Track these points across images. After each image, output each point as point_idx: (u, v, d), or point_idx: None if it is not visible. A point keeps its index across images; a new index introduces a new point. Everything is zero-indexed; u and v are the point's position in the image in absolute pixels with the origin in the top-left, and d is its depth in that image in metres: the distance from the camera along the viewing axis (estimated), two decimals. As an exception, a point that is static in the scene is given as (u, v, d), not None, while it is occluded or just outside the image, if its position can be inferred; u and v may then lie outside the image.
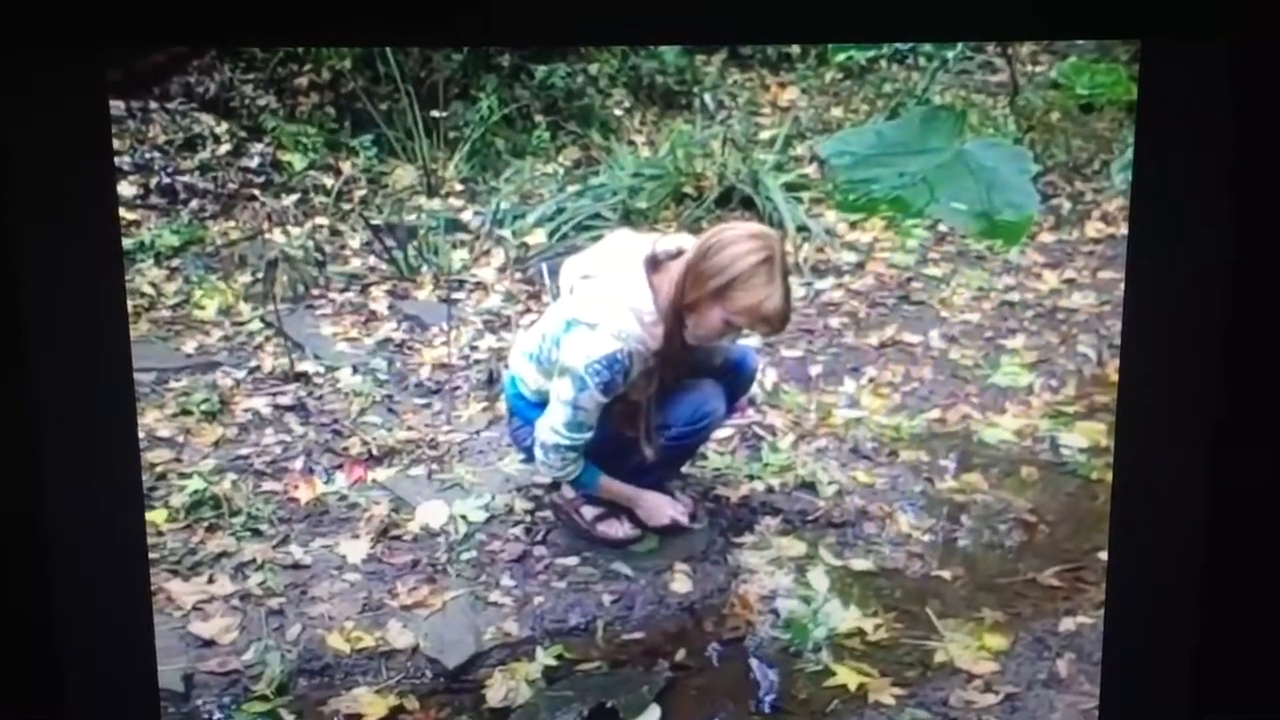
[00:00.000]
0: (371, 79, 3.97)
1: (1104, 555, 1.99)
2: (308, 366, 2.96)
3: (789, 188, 3.67)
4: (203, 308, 3.15)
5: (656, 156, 3.95)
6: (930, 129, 2.21)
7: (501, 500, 2.49)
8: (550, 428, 2.31)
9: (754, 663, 2.16)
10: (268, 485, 2.54)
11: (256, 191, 3.63)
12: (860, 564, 2.35)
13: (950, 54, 4.12)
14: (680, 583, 2.30)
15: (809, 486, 2.54)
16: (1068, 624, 2.18)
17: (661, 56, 4.33)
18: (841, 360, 3.01)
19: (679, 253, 2.27)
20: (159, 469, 2.55)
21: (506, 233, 3.56)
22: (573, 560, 2.35)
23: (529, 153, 3.99)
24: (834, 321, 3.18)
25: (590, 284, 2.30)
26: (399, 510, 2.47)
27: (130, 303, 2.78)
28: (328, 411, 2.82)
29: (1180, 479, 1.82)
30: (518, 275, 3.37)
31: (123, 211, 3.47)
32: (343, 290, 3.30)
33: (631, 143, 4.13)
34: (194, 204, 3.49)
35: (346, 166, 3.79)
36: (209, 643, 2.14)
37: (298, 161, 3.75)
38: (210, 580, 2.28)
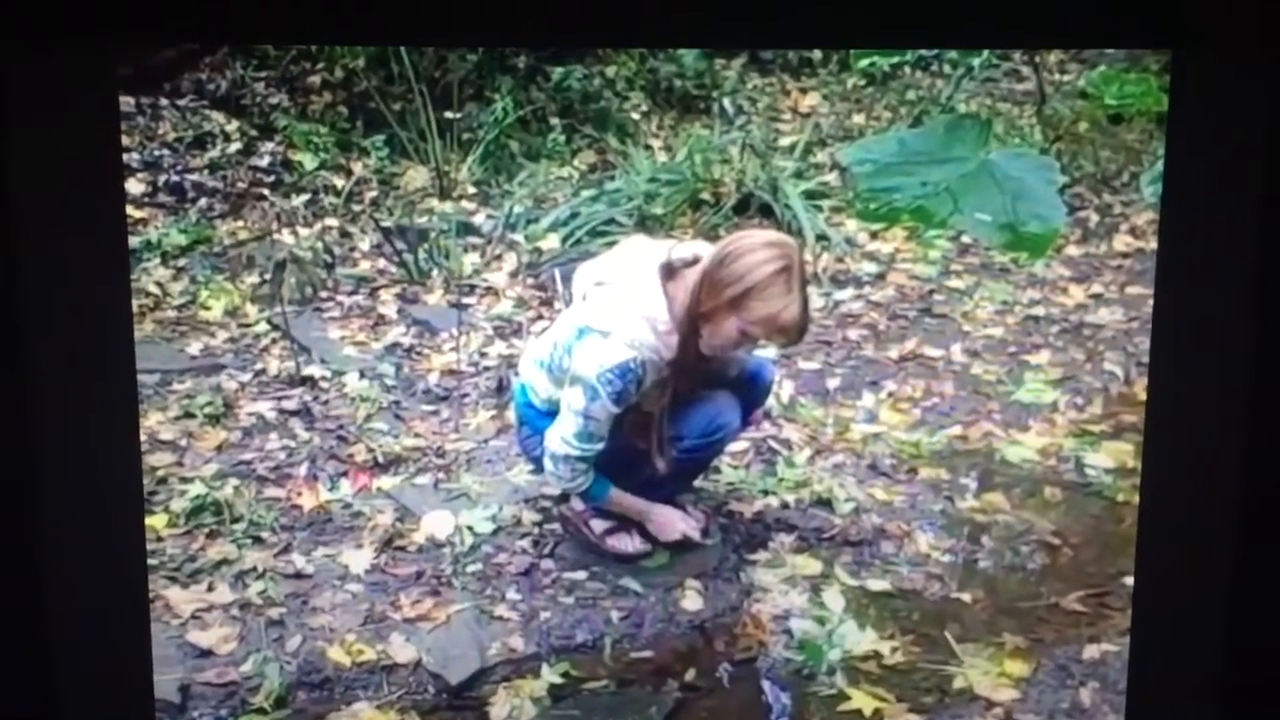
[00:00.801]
0: (385, 78, 3.97)
1: (1130, 580, 1.93)
2: (314, 370, 2.95)
3: (809, 195, 3.65)
4: (209, 308, 3.16)
5: (674, 161, 3.94)
6: (954, 137, 2.15)
7: (509, 511, 2.46)
8: (560, 438, 2.27)
9: (766, 685, 2.12)
10: (270, 491, 2.52)
11: (266, 191, 3.64)
12: (877, 584, 2.31)
13: (976, 61, 4.09)
14: (691, 600, 2.27)
15: (825, 503, 2.51)
16: (1091, 651, 2.13)
17: (680, 60, 4.31)
18: (860, 373, 2.98)
19: (695, 260, 2.23)
20: (160, 473, 2.53)
21: (519, 237, 3.56)
22: (581, 575, 2.32)
23: (543, 156, 3.98)
24: (853, 333, 3.16)
25: (604, 291, 2.26)
26: (404, 520, 2.44)
27: (135, 302, 2.79)
28: (333, 417, 2.79)
29: (1210, 502, 1.76)
30: (530, 281, 3.37)
31: (130, 209, 3.49)
32: (351, 293, 3.31)
33: (648, 147, 4.11)
34: (202, 203, 3.49)
35: (358, 167, 3.79)
36: (207, 652, 2.11)
37: (308, 161, 3.74)
38: (210, 588, 2.25)
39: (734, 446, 2.55)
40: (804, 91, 4.26)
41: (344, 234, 3.51)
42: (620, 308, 2.21)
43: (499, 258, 3.46)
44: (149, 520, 2.32)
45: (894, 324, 3.20)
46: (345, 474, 2.57)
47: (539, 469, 2.39)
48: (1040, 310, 3.22)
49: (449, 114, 3.82)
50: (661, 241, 2.42)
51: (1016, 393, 2.89)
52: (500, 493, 2.51)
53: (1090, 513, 2.49)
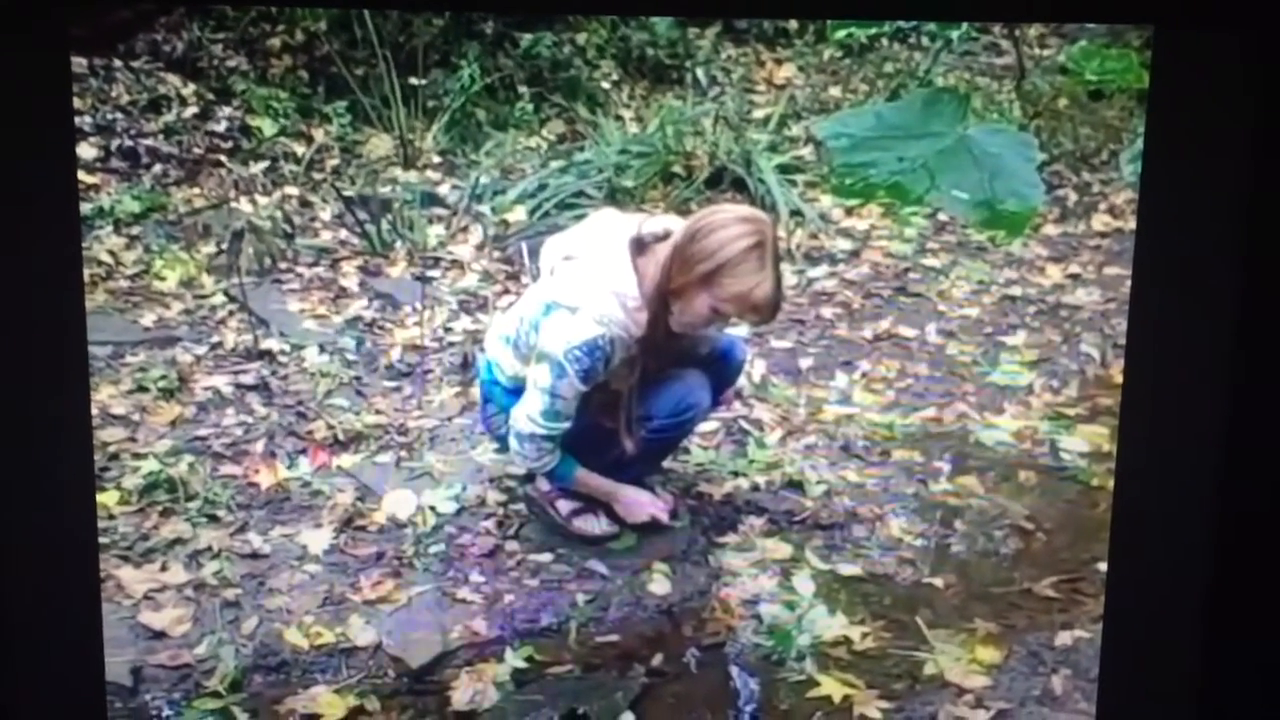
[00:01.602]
0: (348, 42, 3.90)
1: (1103, 566, 1.93)
2: (272, 344, 2.90)
3: (783, 170, 3.63)
4: (163, 279, 3.10)
5: (645, 133, 3.90)
6: (932, 112, 2.11)
7: (473, 491, 2.43)
8: (526, 416, 2.24)
9: (734, 670, 2.10)
10: (226, 469, 2.47)
11: (223, 157, 3.57)
12: (848, 569, 2.30)
13: (955, 34, 4.07)
14: (659, 583, 2.25)
15: (796, 485, 2.49)
16: (1064, 638, 2.13)
17: (653, 28, 4.26)
18: (833, 353, 2.96)
19: (666, 235, 2.20)
20: (112, 448, 2.48)
21: (485, 209, 3.52)
22: (546, 557, 2.29)
23: (511, 125, 3.93)
24: (826, 312, 3.14)
25: (572, 265, 2.24)
26: (364, 499, 2.41)
27: (87, 271, 2.73)
28: (292, 392, 2.74)
29: (1187, 487, 1.74)
30: (496, 254, 3.34)
31: (81, 174, 3.43)
32: (311, 265, 3.26)
33: (619, 118, 4.07)
34: (157, 169, 3.43)
35: (319, 134, 3.73)
36: (159, 634, 2.07)
37: (268, 127, 3.69)
38: (163, 568, 2.21)
39: (704, 427, 2.54)
40: (779, 63, 4.23)
41: (304, 203, 3.47)
42: (589, 283, 2.19)
43: (464, 230, 3.42)
44: (100, 497, 2.28)
45: (868, 303, 3.20)
46: (304, 451, 2.53)
47: (504, 448, 2.37)
48: (1017, 290, 3.22)
49: (414, 80, 3.76)
50: (632, 215, 2.39)
51: (992, 374, 2.88)
52: (464, 472, 2.48)
53: (1065, 497, 2.48)
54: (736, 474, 2.51)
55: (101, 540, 2.11)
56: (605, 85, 4.07)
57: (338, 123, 3.69)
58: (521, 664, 2.06)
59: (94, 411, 2.31)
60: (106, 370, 2.72)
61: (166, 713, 1.96)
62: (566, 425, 2.23)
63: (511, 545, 2.31)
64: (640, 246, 2.20)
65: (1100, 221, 3.46)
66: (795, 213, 3.49)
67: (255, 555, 2.25)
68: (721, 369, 2.40)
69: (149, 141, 3.43)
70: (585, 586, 2.23)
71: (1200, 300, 1.63)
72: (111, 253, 3.16)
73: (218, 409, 2.66)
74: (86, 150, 3.37)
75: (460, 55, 3.85)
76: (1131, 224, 1.71)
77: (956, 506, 2.46)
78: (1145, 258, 1.64)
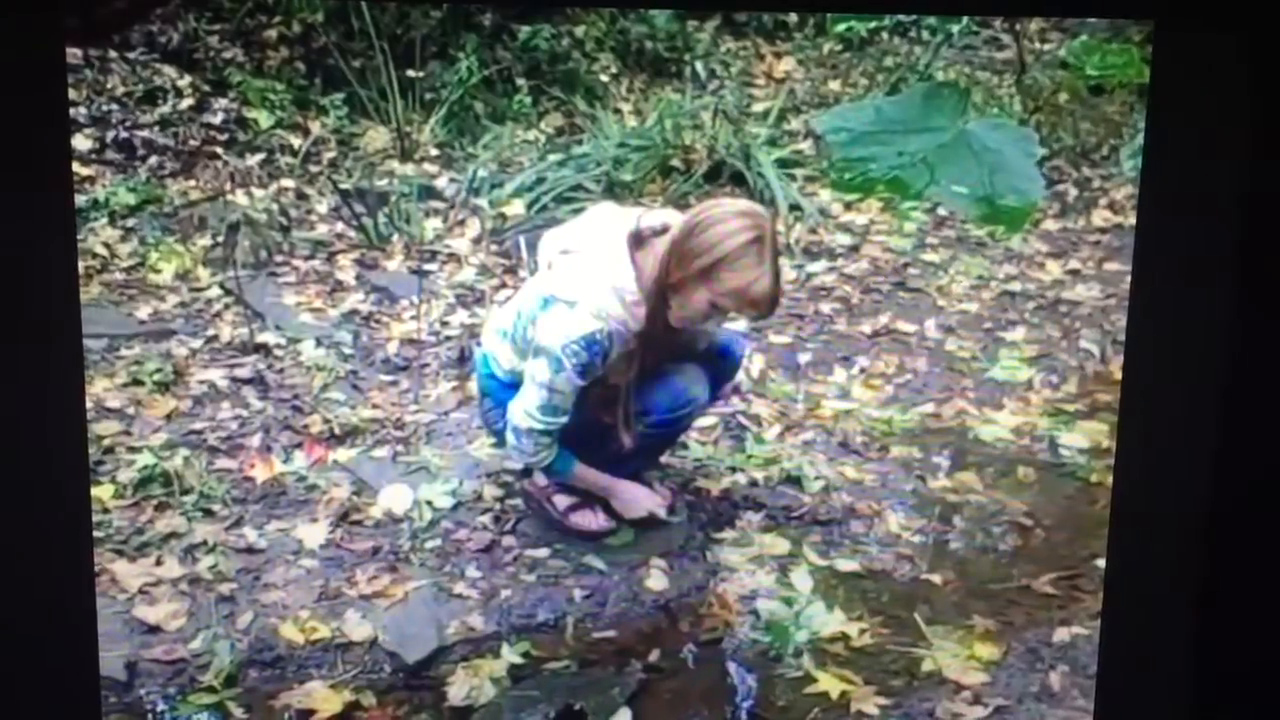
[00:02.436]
0: (345, 34, 3.89)
1: (1102, 563, 1.93)
2: (268, 338, 2.89)
3: (782, 164, 3.62)
4: (159, 271, 3.10)
5: (643, 126, 3.89)
6: (932, 106, 2.10)
7: (470, 486, 2.42)
8: (524, 410, 2.23)
9: (731, 666, 2.10)
10: (222, 463, 2.46)
11: (219, 149, 3.57)
12: (846, 565, 2.29)
13: (955, 28, 4.07)
14: (656, 579, 2.24)
15: (794, 481, 2.48)
16: (1062, 634, 2.12)
17: (652, 20, 4.25)
18: (832, 348, 2.96)
19: (664, 229, 2.19)
20: (106, 442, 2.47)
21: (483, 202, 3.51)
22: (543, 552, 2.28)
23: (509, 118, 3.93)
24: (825, 307, 3.14)
25: (570, 259, 2.22)
26: (360, 493, 2.40)
27: (81, 264, 2.72)
28: (288, 386, 2.73)
29: (1186, 484, 1.74)
30: (494, 247, 3.33)
31: (76, 166, 3.41)
32: (308, 258, 3.26)
33: (617, 111, 4.06)
34: (152, 161, 3.42)
35: (315, 126, 3.73)
36: (154, 629, 2.06)
37: (264, 119, 3.68)
38: (158, 562, 2.20)
39: (702, 422, 2.53)
40: (779, 56, 4.22)
41: (301, 196, 3.46)
42: (587, 277, 2.17)
43: (462, 223, 3.42)
44: (95, 491, 2.26)
45: (867, 298, 3.19)
46: (300, 445, 2.52)
47: (501, 442, 2.35)
48: (1016, 286, 3.22)
49: (411, 73, 3.76)
50: (630, 209, 2.38)
51: (991, 370, 2.88)
52: (461, 466, 2.47)
53: (1063, 494, 2.48)
54: (734, 469, 2.51)
55: (96, 534, 2.09)
56: (604, 78, 4.07)
57: (334, 115, 3.69)
58: (518, 659, 2.05)
59: (89, 405, 2.30)
60: (101, 363, 2.71)
61: (161, 707, 1.95)
62: (564, 420, 2.22)
63: (508, 540, 2.30)
64: (638, 241, 2.18)
65: (1100, 217, 3.46)
66: (794, 207, 3.49)
67: (251, 550, 2.24)
68: (720, 364, 2.39)
69: (144, 133, 3.42)
70: (582, 582, 2.22)
71: (1201, 296, 1.62)
72: (107, 245, 3.15)
73: (213, 402, 2.65)
74: (81, 142, 3.36)
75: (458, 48, 3.84)
76: (1132, 219, 1.70)
77: (955, 502, 2.45)
78: (1145, 253, 1.63)
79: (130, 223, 3.23)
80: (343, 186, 3.47)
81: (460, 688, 1.99)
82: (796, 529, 2.36)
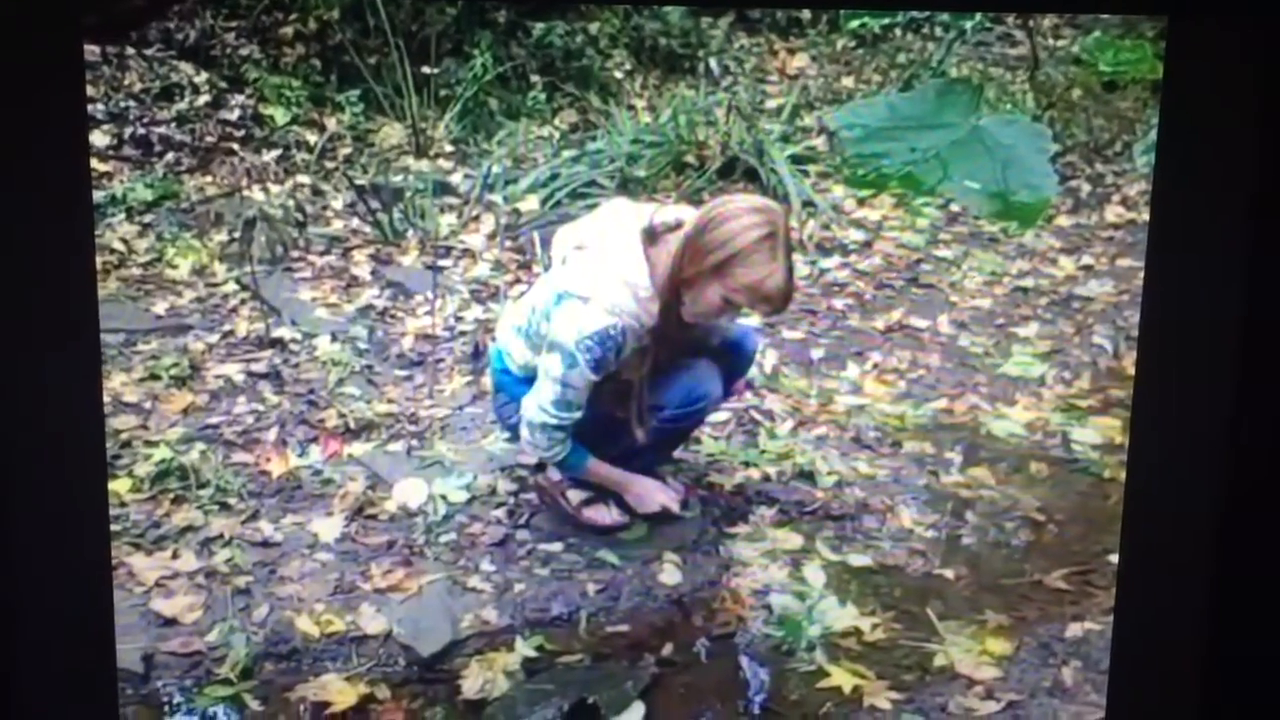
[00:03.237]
0: (360, 31, 3.90)
1: (1115, 558, 1.92)
2: (284, 332, 2.90)
3: (795, 160, 3.62)
4: (175, 267, 3.11)
5: (657, 123, 3.89)
6: (945, 102, 2.10)
7: (484, 481, 2.42)
8: (537, 405, 2.23)
9: (744, 660, 2.10)
10: (238, 457, 2.47)
11: (236, 146, 3.58)
12: (859, 560, 2.29)
13: (968, 24, 4.06)
14: (669, 574, 2.24)
15: (807, 476, 2.49)
16: (1074, 630, 2.12)
17: (665, 17, 4.25)
18: (845, 344, 2.96)
19: (678, 225, 2.19)
20: (124, 436, 2.48)
21: (497, 198, 3.51)
22: (557, 546, 2.29)
23: (523, 114, 3.93)
24: (838, 303, 3.14)
25: (584, 255, 2.22)
26: (375, 488, 2.40)
27: (99, 259, 2.74)
28: (304, 381, 2.74)
29: (1199, 480, 1.73)
30: (508, 243, 3.33)
31: (94, 162, 3.42)
32: (323, 253, 3.26)
33: (631, 107, 4.06)
34: (169, 157, 3.43)
35: (331, 122, 3.73)
36: (171, 621, 2.07)
37: (280, 115, 3.69)
38: (174, 555, 2.21)
39: (715, 417, 2.53)
40: (792, 53, 4.22)
41: (316, 192, 3.47)
42: (600, 273, 2.17)
43: (476, 219, 3.42)
44: (112, 485, 2.28)
45: (880, 293, 3.19)
46: (315, 440, 2.52)
47: (515, 437, 2.36)
48: (1029, 282, 3.21)
49: (426, 69, 3.76)
50: (643, 205, 2.37)
51: (1004, 366, 2.88)
52: (475, 461, 2.48)
53: (1076, 489, 2.47)
54: (747, 464, 2.51)
55: (113, 528, 2.10)
56: (618, 75, 4.07)
57: (350, 111, 3.69)
58: (532, 653, 2.06)
59: (106, 399, 2.31)
60: (119, 358, 2.72)
61: (178, 699, 1.96)
62: (578, 415, 2.22)
63: (522, 534, 2.31)
64: (652, 236, 2.18)
65: (1113, 213, 3.45)
66: (807, 203, 3.48)
67: (266, 543, 2.25)
68: (733, 359, 2.39)
69: (161, 129, 3.43)
70: (596, 576, 2.22)
71: (1213, 292, 1.62)
72: (124, 240, 3.16)
73: (229, 397, 2.66)
74: (99, 138, 3.37)
75: (473, 44, 3.85)
76: (1145, 215, 1.69)
77: (968, 498, 2.45)
78: (1158, 249, 1.63)
79: (147, 218, 3.24)
80: (358, 182, 3.47)
81: (474, 681, 2.00)
82: (809, 524, 2.36)
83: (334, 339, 2.88)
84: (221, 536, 2.25)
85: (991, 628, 2.12)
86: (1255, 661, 1.75)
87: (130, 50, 3.56)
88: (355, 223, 3.38)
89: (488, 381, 2.53)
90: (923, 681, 2.03)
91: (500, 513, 2.35)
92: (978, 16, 3.85)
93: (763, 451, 2.55)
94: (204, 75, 3.60)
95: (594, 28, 4.07)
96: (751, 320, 2.60)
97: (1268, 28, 1.44)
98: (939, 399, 2.75)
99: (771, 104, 3.98)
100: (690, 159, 3.60)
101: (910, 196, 3.25)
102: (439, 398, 2.69)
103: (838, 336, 2.99)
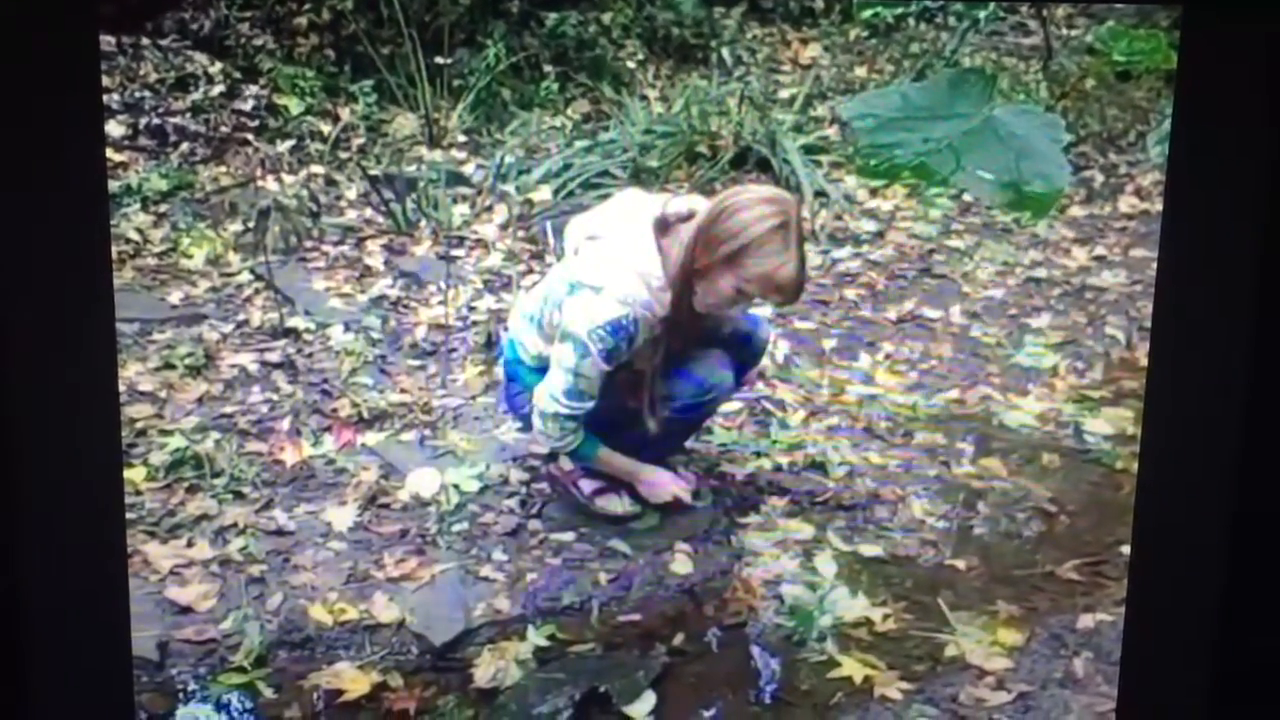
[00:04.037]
0: (374, 21, 3.89)
1: (1127, 549, 1.91)
2: (298, 322, 2.90)
3: (808, 150, 3.60)
4: (190, 256, 3.11)
5: (670, 113, 3.87)
6: (958, 92, 2.09)
7: (496, 470, 2.43)
8: (550, 395, 2.24)
9: (755, 650, 2.10)
10: (252, 446, 2.48)
11: (250, 136, 3.57)
12: (870, 550, 2.29)
13: (982, 14, 4.04)
14: (681, 563, 2.24)
15: (819, 466, 2.49)
16: (1086, 621, 2.11)
17: (678, 7, 4.23)
18: (857, 334, 2.95)
19: (690, 215, 2.19)
20: (139, 425, 2.49)
21: (510, 188, 3.51)
22: (569, 536, 2.29)
23: (536, 104, 3.92)
24: (850, 293, 3.13)
25: (596, 245, 2.22)
26: (388, 477, 2.41)
27: (115, 249, 2.74)
28: (317, 370, 2.75)
29: (1211, 471, 1.72)
30: (520, 233, 3.33)
31: (110, 152, 3.43)
32: (337, 243, 3.26)
33: (644, 97, 4.05)
34: (184, 147, 3.43)
35: (345, 113, 3.73)
36: (186, 609, 2.08)
37: (294, 106, 3.68)
38: (189, 544, 2.22)
39: (726, 407, 2.53)
40: (805, 42, 4.20)
41: (330, 182, 3.46)
42: (613, 263, 2.18)
43: (489, 209, 3.41)
44: (127, 473, 2.28)
45: (892, 284, 3.18)
46: (329, 429, 2.53)
47: (527, 427, 2.36)
48: (1042, 272, 3.20)
49: (439, 59, 3.75)
50: (656, 195, 2.38)
51: (1016, 356, 2.86)
52: (487, 451, 2.48)
53: (1088, 480, 2.47)
54: (759, 454, 2.51)
55: (129, 516, 2.10)
56: (630, 65, 4.05)
57: (364, 101, 3.69)
58: (543, 642, 2.06)
59: (121, 388, 2.32)
60: (134, 347, 2.73)
61: (192, 687, 1.97)
62: (590, 404, 2.23)
63: (534, 524, 2.31)
64: (665, 226, 2.18)
65: (1127, 203, 3.43)
66: (820, 193, 3.47)
67: (280, 532, 2.26)
68: (745, 350, 2.39)
69: (176, 120, 3.43)
70: (607, 566, 2.22)
71: (1227, 283, 1.61)
72: (139, 230, 3.16)
73: (244, 386, 2.66)
74: (114, 128, 3.37)
75: (486, 34, 3.84)
76: (1158, 206, 1.69)
77: (979, 488, 2.45)
78: (1171, 240, 1.62)
79: (162, 208, 3.24)
80: (371, 173, 3.47)
81: (487, 670, 2.01)
82: (821, 514, 2.36)
83: (347, 329, 2.88)
84: (236, 525, 2.26)
85: (1003, 618, 2.12)
86: (1266, 652, 1.75)
87: (145, 41, 3.56)
88: (369, 213, 3.38)
89: (500, 371, 2.53)
90: (934, 672, 2.03)
91: (512, 502, 2.36)
92: (991, 6, 3.83)
93: (774, 442, 2.55)
94: (218, 66, 3.60)
95: (607, 18, 4.07)
96: (763, 310, 2.60)
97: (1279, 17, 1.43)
98: (951, 389, 2.75)
99: (784, 94, 3.96)
100: (703, 149, 3.59)
101: (923, 187, 3.23)
102: (452, 387, 2.70)
103: (849, 327, 2.98)
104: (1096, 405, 2.68)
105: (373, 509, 2.32)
